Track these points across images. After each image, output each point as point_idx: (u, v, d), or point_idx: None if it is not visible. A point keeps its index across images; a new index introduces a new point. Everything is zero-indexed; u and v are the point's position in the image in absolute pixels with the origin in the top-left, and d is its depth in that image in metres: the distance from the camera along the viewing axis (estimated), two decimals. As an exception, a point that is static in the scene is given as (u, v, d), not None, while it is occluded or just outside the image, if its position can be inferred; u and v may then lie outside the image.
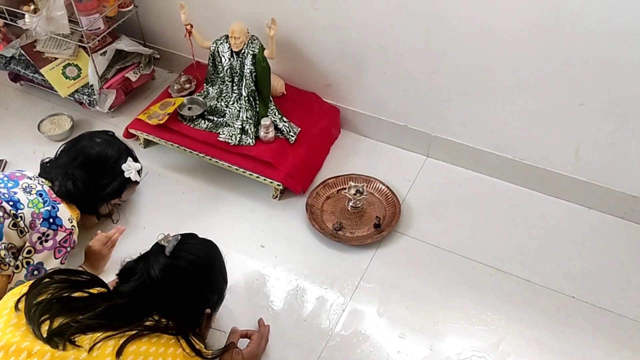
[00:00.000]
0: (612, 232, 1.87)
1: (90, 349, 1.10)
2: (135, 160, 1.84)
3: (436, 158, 2.10)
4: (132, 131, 2.10)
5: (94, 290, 1.25)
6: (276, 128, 1.98)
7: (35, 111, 2.29)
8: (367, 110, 2.11)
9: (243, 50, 1.91)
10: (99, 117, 2.27)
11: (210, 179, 2.03)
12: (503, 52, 1.71)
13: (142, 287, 1.30)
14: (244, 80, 1.94)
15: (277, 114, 2.01)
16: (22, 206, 1.53)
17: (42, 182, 1.66)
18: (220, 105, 2.03)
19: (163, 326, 1.22)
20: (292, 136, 1.98)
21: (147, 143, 2.13)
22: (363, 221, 1.89)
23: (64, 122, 2.21)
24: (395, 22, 1.80)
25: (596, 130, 1.75)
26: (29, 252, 1.55)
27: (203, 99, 2.06)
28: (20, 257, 1.54)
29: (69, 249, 1.62)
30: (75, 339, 1.11)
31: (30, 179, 1.64)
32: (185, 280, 1.35)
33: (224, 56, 1.95)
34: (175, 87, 2.16)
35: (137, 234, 1.84)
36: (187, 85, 2.17)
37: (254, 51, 1.90)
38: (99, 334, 1.13)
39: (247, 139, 1.96)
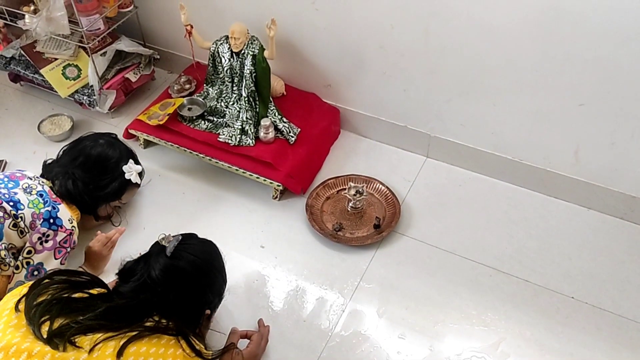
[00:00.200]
0: (612, 233, 1.87)
1: (91, 350, 1.10)
2: (137, 162, 1.84)
3: (436, 158, 2.10)
4: (132, 132, 2.10)
5: (94, 291, 1.24)
6: (276, 128, 1.98)
7: (35, 112, 2.29)
8: (367, 111, 2.11)
9: (243, 51, 1.91)
10: (99, 118, 2.27)
11: (210, 179, 2.03)
12: (503, 53, 1.71)
13: (142, 288, 1.29)
14: (244, 80, 1.95)
15: (277, 114, 2.01)
16: (22, 206, 1.53)
17: (43, 182, 1.66)
18: (220, 105, 2.03)
19: (163, 327, 1.21)
20: (292, 137, 1.98)
21: (147, 143, 2.14)
22: (363, 222, 1.89)
23: (64, 123, 2.21)
24: (395, 23, 1.80)
25: (596, 130, 1.75)
26: (29, 252, 1.55)
27: (203, 99, 2.06)
28: (21, 258, 1.54)
29: (69, 249, 1.62)
30: (76, 340, 1.11)
31: (31, 179, 1.64)
32: (186, 280, 1.35)
33: (223, 57, 1.95)
34: (175, 88, 2.16)
35: (137, 234, 1.85)
36: (187, 86, 2.17)
37: (254, 52, 1.90)
38: (99, 335, 1.13)
39: (247, 140, 1.96)
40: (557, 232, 1.87)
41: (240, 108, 1.99)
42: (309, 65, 2.08)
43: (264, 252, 1.82)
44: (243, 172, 1.95)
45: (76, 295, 1.21)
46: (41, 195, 1.60)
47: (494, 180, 2.02)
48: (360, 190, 1.87)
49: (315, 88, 2.15)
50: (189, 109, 2.06)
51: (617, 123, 1.71)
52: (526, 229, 1.88)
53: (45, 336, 1.11)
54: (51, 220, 1.57)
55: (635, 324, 1.64)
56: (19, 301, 1.18)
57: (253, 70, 1.92)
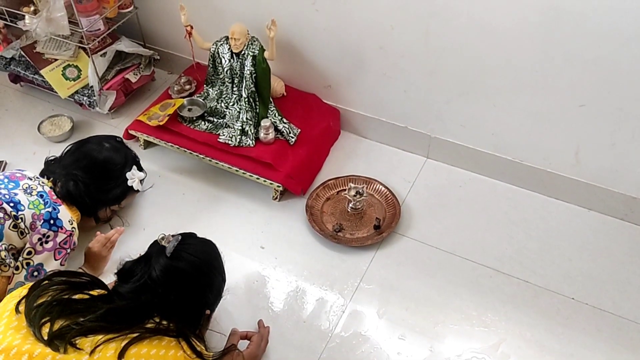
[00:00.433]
0: (612, 234, 1.87)
1: (92, 351, 1.10)
2: (140, 169, 1.84)
3: (436, 159, 2.10)
4: (132, 132, 2.10)
5: (95, 292, 1.24)
6: (276, 129, 1.98)
7: (35, 112, 2.29)
8: (367, 112, 2.11)
9: (243, 52, 1.91)
10: (99, 119, 2.27)
11: (210, 180, 2.03)
12: (503, 53, 1.71)
13: (142, 289, 1.29)
14: (244, 81, 1.95)
15: (277, 115, 2.01)
16: (22, 207, 1.53)
17: (43, 182, 1.66)
18: (220, 106, 2.03)
19: (164, 328, 1.21)
20: (292, 137, 1.98)
21: (147, 144, 2.14)
22: (363, 222, 1.89)
23: (64, 124, 2.21)
24: (396, 23, 1.80)
25: (596, 131, 1.75)
26: (29, 253, 1.55)
27: (203, 100, 2.06)
28: (21, 258, 1.54)
29: (69, 250, 1.62)
30: (76, 342, 1.11)
31: (31, 179, 1.64)
32: (186, 281, 1.35)
33: (224, 57, 1.95)
34: (175, 88, 2.16)
35: (137, 235, 1.84)
36: (187, 87, 2.17)
37: (254, 52, 1.90)
38: (100, 337, 1.13)
39: (247, 140, 1.96)
40: (558, 233, 1.87)
41: (240, 109, 1.99)
42: (309, 66, 2.08)
43: (264, 252, 1.82)
44: (243, 173, 1.95)
45: (76, 296, 1.21)
46: (41, 196, 1.60)
47: (494, 181, 2.02)
48: (360, 191, 1.87)
49: (315, 89, 2.15)
50: (189, 110, 2.06)
51: (617, 124, 1.71)
52: (526, 230, 1.88)
53: (45, 338, 1.11)
54: (51, 221, 1.57)
55: (635, 325, 1.64)
56: (19, 303, 1.18)
57: (253, 71, 1.92)
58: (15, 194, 1.55)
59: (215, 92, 2.06)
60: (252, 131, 1.97)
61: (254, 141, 1.96)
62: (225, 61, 1.95)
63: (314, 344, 1.60)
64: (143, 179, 1.84)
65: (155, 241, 1.39)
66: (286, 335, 1.61)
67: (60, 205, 1.62)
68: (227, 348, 1.41)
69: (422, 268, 1.78)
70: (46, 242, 1.57)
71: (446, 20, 1.72)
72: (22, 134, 2.21)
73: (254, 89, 1.95)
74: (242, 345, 1.52)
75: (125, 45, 2.23)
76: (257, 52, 1.90)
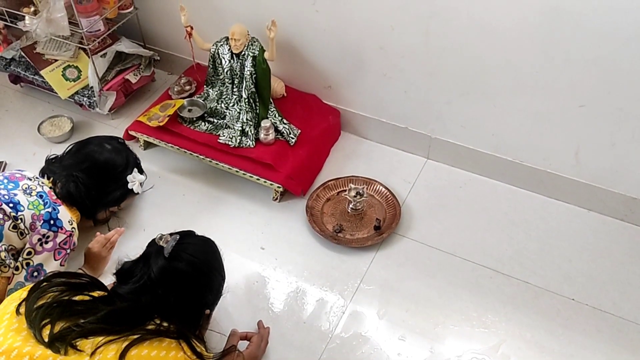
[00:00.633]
0: (612, 234, 1.87)
1: (92, 353, 1.10)
2: (141, 171, 1.84)
3: (436, 160, 2.10)
4: (132, 133, 2.10)
5: (95, 294, 1.24)
6: (276, 130, 1.98)
7: (35, 113, 2.29)
8: (368, 112, 2.11)
9: (243, 52, 1.91)
10: (99, 119, 2.27)
11: (210, 181, 2.03)
12: (503, 54, 1.71)
13: (142, 290, 1.28)
14: (244, 82, 1.95)
15: (277, 115, 2.01)
16: (22, 208, 1.53)
17: (43, 183, 1.66)
18: (221, 107, 2.03)
19: (164, 330, 1.21)
20: (292, 138, 1.98)
21: (147, 145, 2.13)
22: (363, 223, 1.89)
23: (64, 124, 2.21)
24: (396, 24, 1.80)
25: (596, 131, 1.75)
26: (29, 253, 1.55)
27: (203, 100, 2.06)
28: (20, 259, 1.54)
29: (69, 250, 1.62)
30: (77, 344, 1.11)
31: (31, 179, 1.64)
32: (185, 281, 1.34)
33: (224, 58, 1.95)
34: (175, 89, 2.16)
35: (137, 235, 1.84)
36: (187, 87, 2.17)
37: (254, 53, 1.90)
38: (100, 338, 1.13)
39: (247, 141, 1.96)
40: (558, 233, 1.87)
41: (240, 109, 1.99)
42: (309, 67, 2.08)
43: (264, 253, 1.82)
44: (243, 174, 1.95)
45: (77, 297, 1.21)
46: (41, 197, 1.59)
47: (495, 182, 2.02)
48: (360, 191, 1.87)
49: (315, 89, 2.15)
50: (189, 111, 2.06)
51: (617, 124, 1.71)
52: (526, 231, 1.88)
53: (46, 340, 1.11)
54: (51, 222, 1.57)
55: (635, 326, 1.64)
56: (19, 305, 1.17)
57: (253, 72, 1.92)
58: (15, 195, 1.55)
59: (216, 93, 2.06)
60: (252, 132, 1.97)
61: (254, 142, 1.96)
62: (226, 62, 1.95)
63: (314, 345, 1.60)
64: (143, 182, 1.84)
65: (153, 241, 1.37)
66: (286, 336, 1.61)
67: (60, 205, 1.62)
68: (227, 349, 1.41)
69: (423, 269, 1.78)
70: (46, 243, 1.57)
71: (446, 21, 1.72)
72: (22, 135, 2.21)
73: (254, 89, 1.95)
74: (242, 346, 1.51)
75: (125, 45, 2.23)
76: (257, 52, 1.90)
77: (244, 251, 1.82)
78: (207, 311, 1.40)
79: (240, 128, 1.97)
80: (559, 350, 1.59)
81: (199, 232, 1.49)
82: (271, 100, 2.03)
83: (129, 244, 1.79)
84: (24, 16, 2.06)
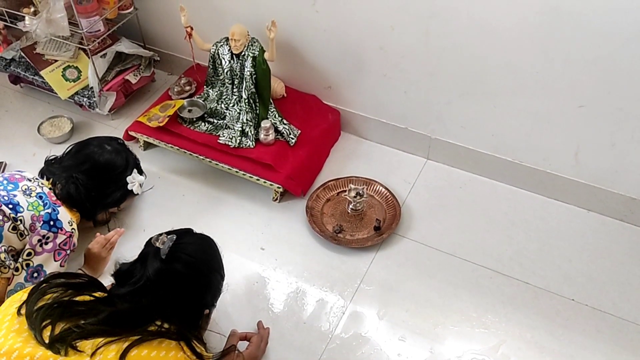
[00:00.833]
0: (612, 235, 1.87)
1: (93, 353, 1.10)
2: (140, 172, 1.84)
3: (436, 160, 2.10)
4: (132, 133, 2.10)
5: (97, 294, 1.24)
6: (276, 130, 1.98)
7: (35, 113, 2.29)
8: (368, 113, 2.11)
9: (243, 53, 1.91)
10: (99, 120, 2.27)
11: (210, 181, 2.03)
12: (503, 54, 1.71)
13: (141, 291, 1.27)
14: (244, 82, 1.95)
15: (277, 116, 2.01)
16: (21, 209, 1.53)
17: (42, 184, 1.66)
18: (220, 107, 2.03)
19: (165, 331, 1.21)
20: (292, 138, 1.98)
21: (147, 145, 2.14)
22: (363, 224, 1.89)
23: (64, 125, 2.21)
24: (396, 24, 1.80)
25: (596, 132, 1.75)
26: (28, 254, 1.55)
27: (203, 101, 2.06)
28: (20, 260, 1.54)
29: (68, 251, 1.62)
30: (77, 344, 1.11)
31: (30, 180, 1.64)
32: (183, 283, 1.32)
33: (224, 58, 1.95)
34: (175, 90, 2.16)
35: (136, 236, 1.84)
36: (187, 88, 2.17)
37: (254, 53, 1.90)
38: (101, 339, 1.12)
39: (247, 142, 1.96)
40: (557, 234, 1.87)
41: (240, 110, 1.99)
42: (309, 67, 2.08)
43: (264, 254, 1.82)
44: (243, 174, 1.95)
45: (77, 298, 1.20)
46: (40, 198, 1.59)
47: (494, 182, 2.02)
48: (360, 192, 1.87)
49: (315, 90, 2.15)
50: (189, 111, 2.06)
51: (617, 124, 1.71)
52: (526, 231, 1.88)
53: (47, 341, 1.11)
54: (51, 223, 1.57)
55: (635, 326, 1.64)
56: (21, 306, 1.17)
57: (253, 72, 1.92)
58: (14, 196, 1.55)
59: (216, 93, 2.06)
60: (252, 132, 1.97)
61: (254, 142, 1.96)
62: (226, 62, 1.95)
63: (314, 345, 1.60)
64: (143, 183, 1.84)
65: (150, 240, 1.34)
66: (286, 337, 1.61)
67: (59, 206, 1.62)
68: (227, 349, 1.40)
69: (422, 269, 1.78)
70: (46, 244, 1.57)
71: (446, 21, 1.72)
72: (22, 135, 2.21)
73: (254, 90, 1.95)
74: (242, 346, 1.51)
75: (125, 46, 2.23)
76: (257, 53, 1.90)
77: (243, 252, 1.82)
78: (207, 311, 1.40)
79: (240, 128, 1.97)
80: (559, 350, 1.59)
81: (197, 232, 1.49)
82: (271, 100, 2.03)
83: (129, 244, 1.79)
84: (23, 16, 2.07)
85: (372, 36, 1.87)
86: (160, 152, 2.12)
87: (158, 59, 2.37)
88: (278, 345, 1.59)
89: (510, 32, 1.65)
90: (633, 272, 1.76)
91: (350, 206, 1.90)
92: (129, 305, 1.23)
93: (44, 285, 1.22)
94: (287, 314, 1.67)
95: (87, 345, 1.11)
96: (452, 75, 1.84)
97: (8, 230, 1.50)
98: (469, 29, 1.70)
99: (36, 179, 1.67)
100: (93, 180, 1.70)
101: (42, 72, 2.19)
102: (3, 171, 2.05)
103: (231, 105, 2.01)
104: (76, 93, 2.21)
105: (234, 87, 1.99)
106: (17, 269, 1.53)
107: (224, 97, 2.04)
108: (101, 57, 2.17)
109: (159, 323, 1.22)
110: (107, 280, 1.52)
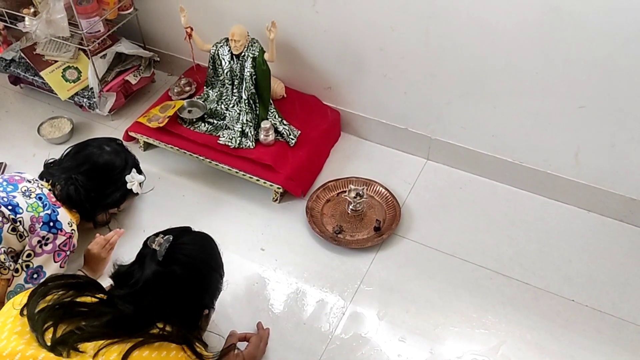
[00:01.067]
0: (612, 235, 1.87)
1: (95, 355, 1.10)
2: (140, 172, 1.84)
3: (436, 161, 2.10)
4: (132, 134, 2.10)
5: (99, 296, 1.23)
6: (276, 131, 1.98)
7: (35, 114, 2.29)
8: (368, 113, 2.11)
9: (243, 53, 1.91)
10: (99, 120, 2.27)
11: (210, 182, 2.03)
12: (503, 55, 1.71)
13: (141, 293, 1.26)
14: (244, 83, 1.95)
15: (277, 116, 2.01)
16: (20, 210, 1.53)
17: (42, 185, 1.65)
18: (220, 108, 2.03)
19: (167, 334, 1.20)
20: (292, 139, 1.98)
21: (147, 146, 2.13)
22: (363, 224, 1.89)
23: (64, 125, 2.21)
24: (396, 25, 1.80)
25: (596, 132, 1.75)
26: (28, 255, 1.54)
27: (203, 101, 2.06)
28: (20, 261, 1.54)
29: (68, 252, 1.62)
30: (79, 346, 1.11)
31: (30, 182, 1.63)
32: (182, 284, 1.31)
33: (224, 59, 1.95)
34: (175, 90, 2.16)
35: (136, 237, 1.84)
36: (187, 88, 2.17)
37: (254, 54, 1.90)
38: (103, 341, 1.12)
39: (247, 142, 1.96)
40: (557, 234, 1.87)
41: (240, 110, 1.99)
42: (309, 68, 2.08)
43: (264, 254, 1.82)
44: (243, 175, 1.95)
45: (78, 299, 1.20)
46: (40, 199, 1.59)
47: (494, 183, 2.02)
48: (360, 192, 1.87)
49: (315, 90, 2.15)
50: (189, 112, 2.06)
51: (617, 125, 1.70)
52: (526, 232, 1.88)
53: (49, 344, 1.10)
54: (51, 224, 1.57)
55: (635, 327, 1.64)
56: (23, 308, 1.17)
57: (253, 73, 1.92)
58: (14, 197, 1.55)
59: (215, 94, 2.06)
60: (252, 133, 1.97)
61: (254, 143, 1.96)
62: (225, 63, 1.95)
63: (314, 346, 1.60)
64: (142, 182, 1.84)
65: (147, 243, 1.31)
66: (286, 337, 1.61)
67: (59, 207, 1.62)
68: (226, 348, 1.40)
69: (423, 270, 1.78)
70: (45, 245, 1.57)
71: (446, 21, 1.72)
72: (21, 136, 2.21)
73: (254, 90, 1.95)
74: (242, 347, 1.51)
75: (125, 46, 2.23)
76: (257, 53, 1.90)
77: (243, 252, 1.82)
78: (206, 311, 1.39)
79: (240, 129, 1.96)
80: (559, 351, 1.59)
81: (196, 229, 1.47)
82: (271, 101, 2.03)
83: (129, 244, 1.78)
84: (23, 17, 2.06)
85: (372, 37, 1.87)
86: (160, 152, 2.12)
87: (158, 59, 2.37)
88: (278, 346, 1.59)
89: (510, 33, 1.65)
90: (633, 272, 1.76)
91: (350, 207, 1.90)
92: (130, 307, 1.23)
93: (43, 287, 1.21)
94: (287, 315, 1.67)
95: (89, 346, 1.11)
96: (452, 75, 1.84)
97: (7, 231, 1.50)
98: (469, 29, 1.70)
99: (36, 180, 1.67)
100: (92, 181, 1.70)
101: (42, 73, 2.19)
102: (3, 172, 2.05)
103: (231, 105, 2.01)
104: (76, 94, 2.21)
105: (234, 87, 1.99)
106: (17, 270, 1.53)
107: (223, 98, 2.04)
108: (101, 57, 2.17)
109: (160, 326, 1.21)
110: (106, 282, 1.52)
